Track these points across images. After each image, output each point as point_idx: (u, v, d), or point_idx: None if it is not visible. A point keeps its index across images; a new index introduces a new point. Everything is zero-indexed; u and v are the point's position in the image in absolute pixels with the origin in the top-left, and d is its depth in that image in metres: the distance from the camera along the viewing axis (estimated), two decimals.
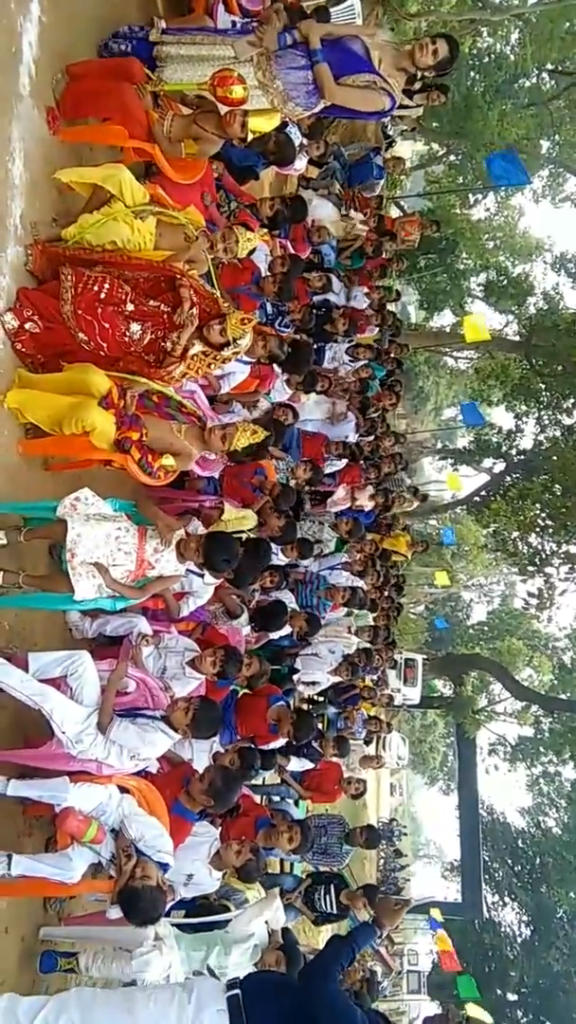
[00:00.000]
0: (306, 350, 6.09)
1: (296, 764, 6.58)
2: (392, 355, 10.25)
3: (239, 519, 5.15)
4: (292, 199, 6.47)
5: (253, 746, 5.04)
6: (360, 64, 3.93)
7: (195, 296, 3.85)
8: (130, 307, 3.72)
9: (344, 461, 7.81)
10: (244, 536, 5.07)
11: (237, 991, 2.77)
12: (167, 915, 4.12)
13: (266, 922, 4.15)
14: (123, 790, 3.60)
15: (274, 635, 6.07)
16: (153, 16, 4.76)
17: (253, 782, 6.31)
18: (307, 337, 6.73)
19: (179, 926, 4.06)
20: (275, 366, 5.62)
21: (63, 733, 3.33)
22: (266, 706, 5.28)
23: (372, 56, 3.94)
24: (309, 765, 6.74)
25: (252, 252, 5.56)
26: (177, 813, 3.88)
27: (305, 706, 8.53)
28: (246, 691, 5.46)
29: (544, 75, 22.48)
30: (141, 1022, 2.70)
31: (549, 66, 21.52)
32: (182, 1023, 2.70)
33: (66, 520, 3.50)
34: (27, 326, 3.68)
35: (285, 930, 4.46)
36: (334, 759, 7.12)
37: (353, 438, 8.12)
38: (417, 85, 4.25)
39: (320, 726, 8.10)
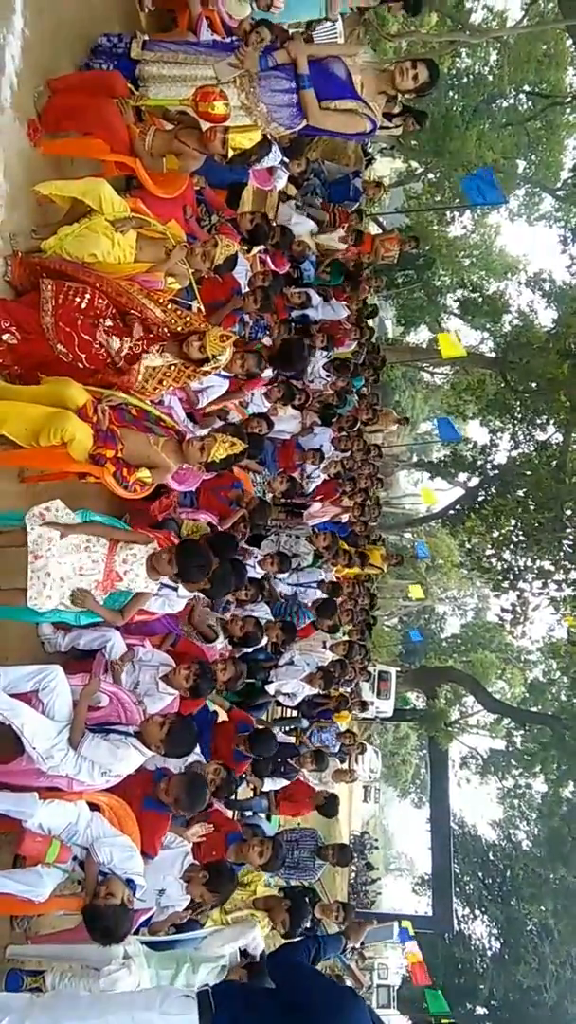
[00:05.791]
0: (298, 345, 6.08)
1: (270, 784, 6.53)
2: (369, 364, 10.33)
3: (195, 530, 5.13)
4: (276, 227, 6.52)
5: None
6: (343, 90, 3.97)
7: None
8: (108, 323, 3.71)
9: (323, 476, 7.83)
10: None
11: (207, 986, 2.91)
12: (136, 932, 4.08)
13: (243, 948, 4.12)
14: (93, 807, 3.56)
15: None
16: (136, 31, 4.77)
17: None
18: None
19: (149, 943, 4.01)
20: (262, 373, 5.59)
21: (33, 748, 3.28)
22: (234, 732, 5.21)
23: (354, 81, 3.98)
24: (284, 783, 6.70)
25: (234, 264, 5.54)
26: (150, 808, 3.84)
27: (277, 727, 8.43)
28: (224, 719, 5.41)
29: (521, 96, 22.93)
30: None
31: (526, 87, 21.97)
32: (150, 1008, 2.81)
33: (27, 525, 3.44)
34: (5, 337, 3.65)
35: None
36: (309, 773, 7.08)
37: (328, 449, 8.14)
38: (396, 109, 4.28)
39: (293, 740, 8.06)
